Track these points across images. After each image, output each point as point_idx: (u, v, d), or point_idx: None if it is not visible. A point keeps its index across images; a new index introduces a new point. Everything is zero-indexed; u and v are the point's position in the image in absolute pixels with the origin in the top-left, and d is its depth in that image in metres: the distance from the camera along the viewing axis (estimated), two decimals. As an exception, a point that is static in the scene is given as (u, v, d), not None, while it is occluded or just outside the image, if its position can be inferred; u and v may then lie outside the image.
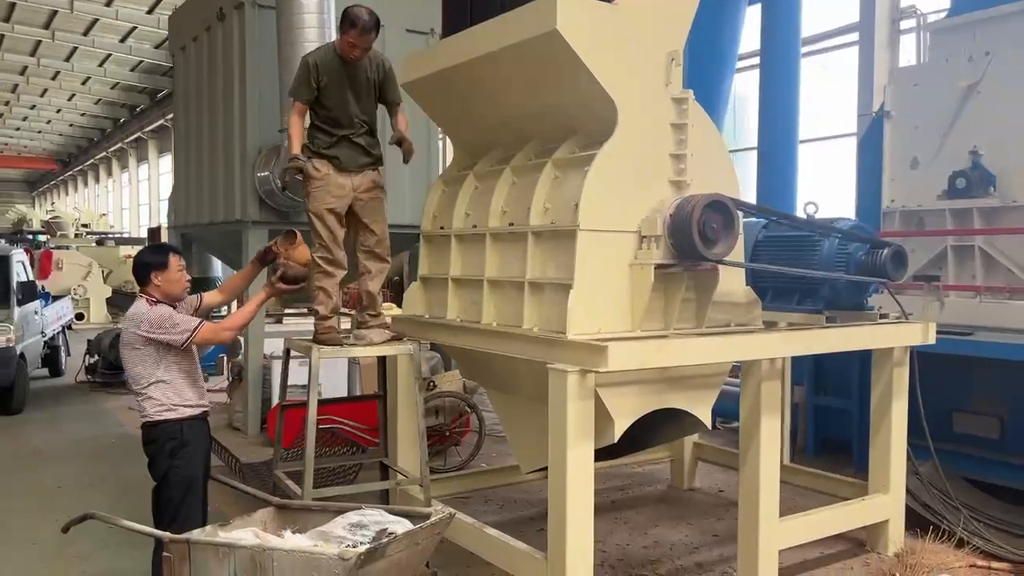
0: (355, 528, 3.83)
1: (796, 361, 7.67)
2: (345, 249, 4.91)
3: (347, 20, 4.68)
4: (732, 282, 4.78)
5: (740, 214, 4.55)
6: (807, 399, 7.89)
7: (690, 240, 4.18)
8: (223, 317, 4.69)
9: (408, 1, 9.20)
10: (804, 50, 12.94)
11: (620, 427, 4.38)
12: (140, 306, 4.04)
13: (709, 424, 4.91)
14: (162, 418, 4.00)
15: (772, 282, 5.64)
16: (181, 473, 4.01)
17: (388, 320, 5.11)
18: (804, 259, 5.38)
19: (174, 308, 4.10)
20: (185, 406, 4.06)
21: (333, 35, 7.72)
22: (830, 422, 7.81)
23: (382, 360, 5.50)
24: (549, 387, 4.07)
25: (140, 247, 24.29)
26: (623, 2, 4.33)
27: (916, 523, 5.57)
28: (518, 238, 4.67)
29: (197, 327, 3.99)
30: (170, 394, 3.99)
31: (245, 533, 3.77)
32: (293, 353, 5.34)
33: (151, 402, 4.01)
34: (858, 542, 5.59)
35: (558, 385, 4.02)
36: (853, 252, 5.21)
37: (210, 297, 4.49)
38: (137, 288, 4.31)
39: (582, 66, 4.23)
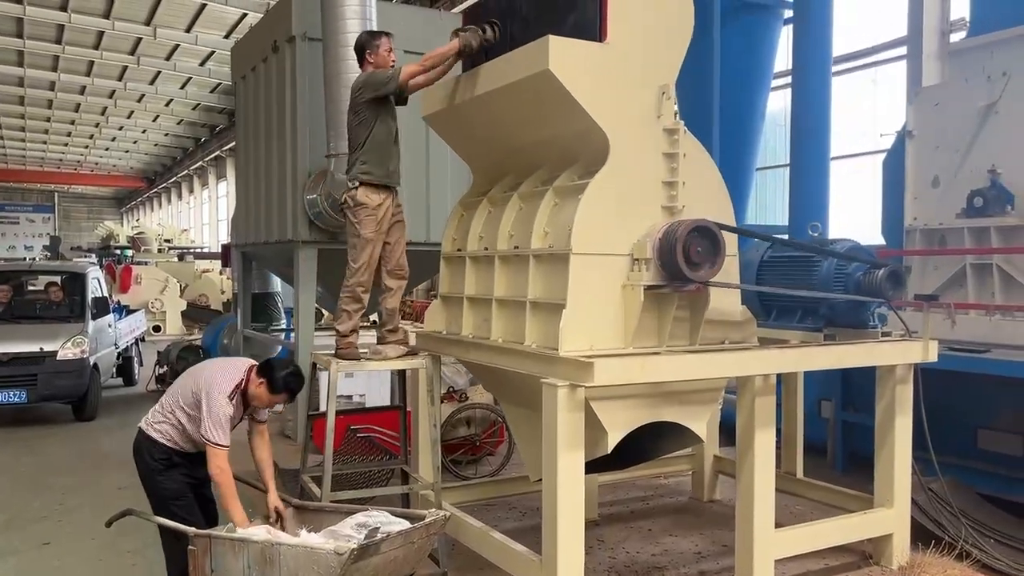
0: (361, 527, 4.22)
1: (825, 377, 7.77)
2: None
3: (371, 36, 5.47)
4: (726, 302, 5.00)
5: (730, 237, 4.79)
6: (835, 415, 7.96)
7: (675, 263, 4.45)
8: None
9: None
10: (851, 64, 13.04)
11: (613, 439, 4.64)
12: (222, 389, 4.32)
13: (704, 437, 5.14)
14: (155, 437, 4.46)
15: (776, 301, 5.83)
16: (167, 485, 4.46)
17: (404, 336, 5.48)
18: (805, 279, 5.56)
19: (235, 405, 4.38)
20: (180, 447, 4.50)
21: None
22: (859, 438, 7.86)
23: (403, 374, 5.88)
24: (543, 400, 4.38)
25: (217, 261, 25.39)
26: (613, 41, 4.62)
27: (926, 537, 5.67)
28: (522, 260, 4.99)
29: (218, 440, 4.25)
30: (176, 435, 4.44)
31: (259, 530, 4.20)
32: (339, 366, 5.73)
33: (158, 422, 4.48)
34: (865, 555, 5.71)
35: (550, 398, 4.32)
36: (851, 272, 5.37)
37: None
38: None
39: (574, 102, 4.54)
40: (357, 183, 5.24)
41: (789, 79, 9.76)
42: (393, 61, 5.45)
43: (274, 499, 4.55)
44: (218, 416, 4.26)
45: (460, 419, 7.73)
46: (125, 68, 27.41)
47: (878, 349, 5.36)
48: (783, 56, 11.07)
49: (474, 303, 5.51)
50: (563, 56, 4.48)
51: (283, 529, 4.44)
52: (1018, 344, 6.22)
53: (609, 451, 4.65)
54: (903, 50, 12.09)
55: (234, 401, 4.35)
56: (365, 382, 9.11)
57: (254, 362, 4.55)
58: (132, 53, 25.82)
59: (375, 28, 8.11)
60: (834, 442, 7.99)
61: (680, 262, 4.42)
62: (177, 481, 4.47)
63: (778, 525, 5.07)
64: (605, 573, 5.49)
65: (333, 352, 5.33)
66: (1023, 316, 6.31)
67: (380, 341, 5.46)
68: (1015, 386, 6.06)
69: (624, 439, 4.69)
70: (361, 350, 5.35)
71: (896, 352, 5.38)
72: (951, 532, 5.56)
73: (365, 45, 5.43)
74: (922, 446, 5.60)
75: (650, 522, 6.57)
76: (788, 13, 10.11)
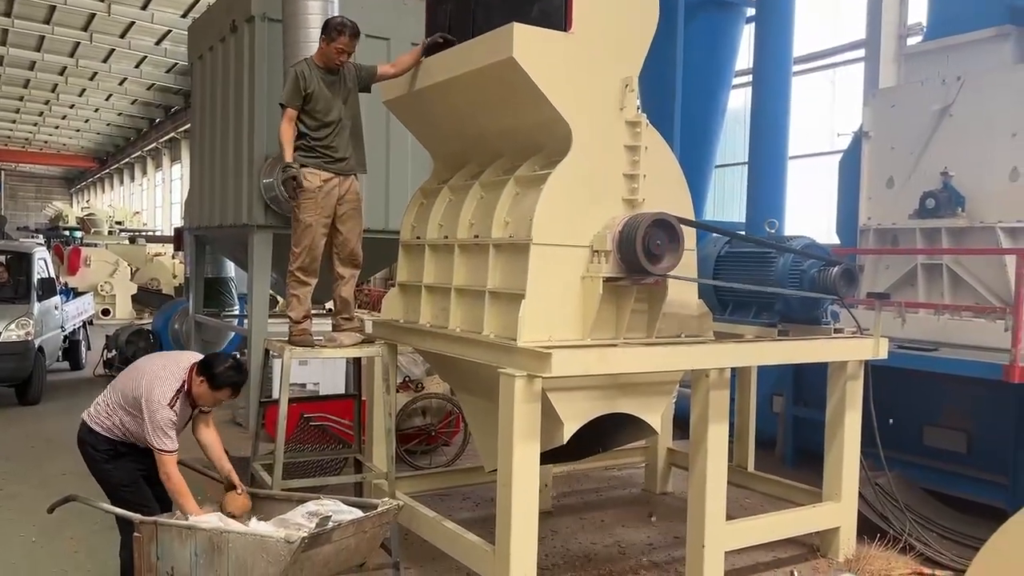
0: (312, 516, 4.15)
1: (777, 372, 7.87)
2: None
3: (335, 28, 5.16)
4: (684, 295, 5.02)
5: (689, 231, 4.81)
6: (786, 410, 8.06)
7: (635, 255, 4.45)
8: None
9: (417, 16, 9.52)
10: (811, 65, 13.21)
11: (569, 430, 4.64)
12: (163, 396, 4.17)
13: (659, 429, 5.17)
14: (97, 431, 4.37)
15: (732, 296, 5.88)
16: (115, 473, 4.39)
17: (359, 324, 5.42)
18: (761, 275, 5.62)
19: (178, 410, 4.24)
20: (123, 440, 4.40)
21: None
22: (810, 433, 7.97)
23: (358, 362, 5.82)
24: (500, 390, 4.36)
25: (169, 245, 24.88)
26: (578, 32, 4.61)
27: (872, 531, 5.78)
28: (482, 249, 4.96)
29: (164, 447, 4.14)
30: (118, 432, 4.35)
31: (211, 517, 4.12)
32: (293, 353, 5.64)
33: (101, 417, 4.38)
34: (812, 547, 5.80)
35: (507, 388, 4.30)
36: (807, 269, 5.44)
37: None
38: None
39: (538, 91, 4.51)
40: (299, 164, 5.17)
41: (750, 77, 9.86)
42: (340, 62, 5.27)
43: (231, 478, 4.42)
44: (159, 424, 4.14)
45: (416, 409, 7.68)
46: (77, 44, 26.68)
47: (830, 345, 5.44)
48: (745, 54, 11.18)
49: (432, 292, 5.46)
50: (528, 44, 4.45)
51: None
52: (965, 343, 6.36)
53: (565, 442, 4.65)
54: (861, 52, 12.31)
55: (176, 407, 4.19)
56: (319, 370, 8.99)
57: (196, 358, 4.36)
58: (85, 29, 25.13)
59: (337, 10, 7.98)
60: (784, 436, 8.10)
61: (640, 255, 4.43)
62: (125, 469, 4.38)
63: (729, 517, 5.13)
64: (560, 564, 5.50)
65: (287, 339, 5.25)
66: (970, 316, 6.45)
67: (335, 328, 5.39)
68: (960, 384, 6.20)
69: (579, 430, 4.69)
70: (316, 337, 5.28)
71: (848, 349, 5.47)
72: (896, 526, 5.68)
73: (323, 30, 5.27)
74: (870, 441, 5.70)
75: (603, 513, 6.60)
76: (751, 12, 10.19)
